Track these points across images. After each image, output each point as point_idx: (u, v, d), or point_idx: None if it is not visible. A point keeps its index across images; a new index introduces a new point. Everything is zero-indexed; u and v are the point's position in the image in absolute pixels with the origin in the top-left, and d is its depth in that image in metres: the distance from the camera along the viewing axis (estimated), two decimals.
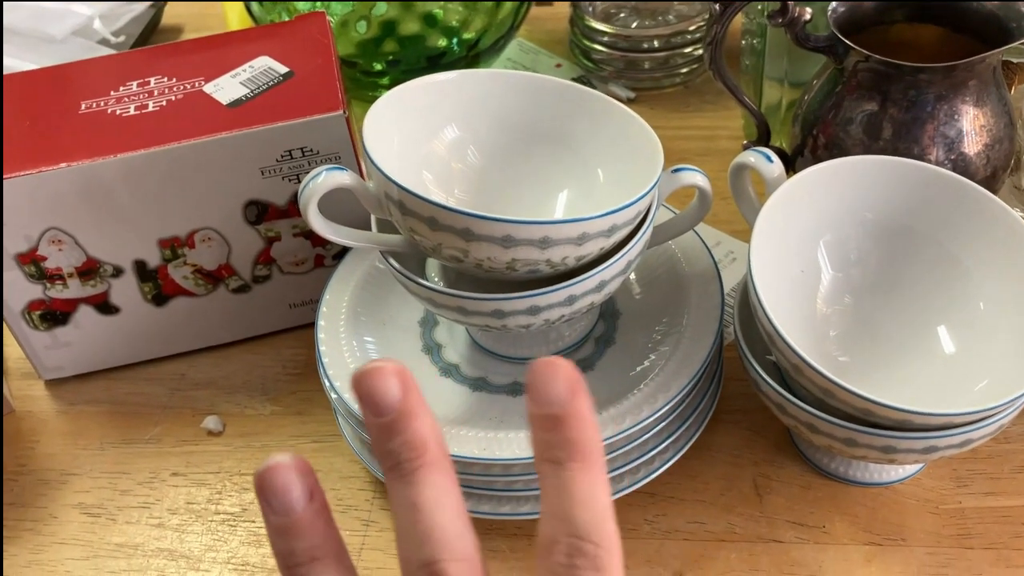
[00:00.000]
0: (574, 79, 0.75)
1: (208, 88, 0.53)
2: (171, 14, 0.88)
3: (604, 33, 0.72)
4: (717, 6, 0.50)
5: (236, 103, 0.51)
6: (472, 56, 0.68)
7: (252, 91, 0.52)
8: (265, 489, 0.25)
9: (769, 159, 0.46)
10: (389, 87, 0.70)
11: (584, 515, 0.25)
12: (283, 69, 0.54)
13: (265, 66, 0.54)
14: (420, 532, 0.25)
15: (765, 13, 0.52)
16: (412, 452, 0.25)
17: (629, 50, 0.72)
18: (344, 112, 0.50)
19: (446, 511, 0.25)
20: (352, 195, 0.43)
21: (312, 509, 0.26)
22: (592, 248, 0.41)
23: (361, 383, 0.25)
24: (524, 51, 0.79)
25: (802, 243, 0.47)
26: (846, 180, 0.46)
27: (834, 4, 0.50)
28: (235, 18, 0.81)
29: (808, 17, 0.50)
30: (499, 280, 0.43)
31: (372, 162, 0.40)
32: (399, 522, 0.26)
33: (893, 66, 0.47)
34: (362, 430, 0.45)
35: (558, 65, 0.77)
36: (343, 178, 0.41)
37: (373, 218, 0.46)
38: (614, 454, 0.44)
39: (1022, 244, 0.43)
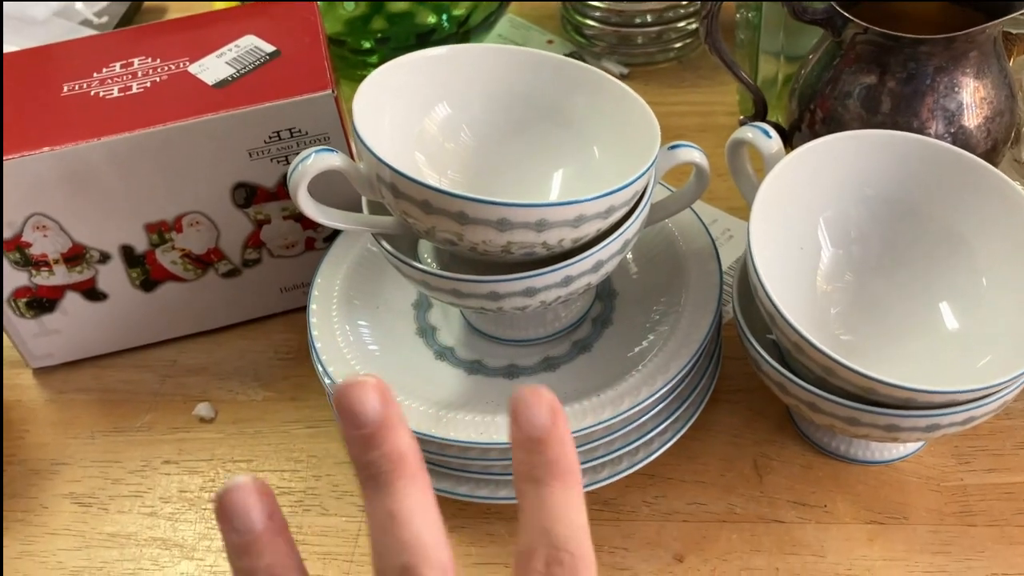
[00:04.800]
0: (566, 55, 0.74)
1: (193, 68, 0.52)
2: None
3: (596, 8, 0.71)
4: None
5: (222, 83, 0.50)
6: (463, 33, 0.67)
7: (238, 71, 0.51)
8: (226, 509, 0.25)
9: (767, 134, 0.45)
10: (378, 65, 0.69)
11: (563, 529, 0.26)
12: (270, 48, 0.52)
13: (251, 45, 0.53)
14: (398, 539, 0.25)
15: None
16: (390, 464, 0.26)
17: (622, 25, 0.71)
18: (332, 91, 0.49)
19: (424, 521, 0.25)
20: (343, 177, 0.42)
21: (272, 528, 0.26)
22: (589, 230, 0.40)
23: (341, 396, 0.26)
24: (515, 27, 0.78)
25: (802, 220, 0.46)
26: (845, 155, 0.45)
27: None
28: None
29: None
30: (493, 262, 0.42)
31: (363, 143, 0.39)
32: (375, 532, 0.26)
33: (892, 38, 0.46)
34: None
35: (550, 41, 0.75)
36: (333, 160, 0.40)
37: (364, 200, 0.45)
38: (612, 436, 0.43)
39: None
